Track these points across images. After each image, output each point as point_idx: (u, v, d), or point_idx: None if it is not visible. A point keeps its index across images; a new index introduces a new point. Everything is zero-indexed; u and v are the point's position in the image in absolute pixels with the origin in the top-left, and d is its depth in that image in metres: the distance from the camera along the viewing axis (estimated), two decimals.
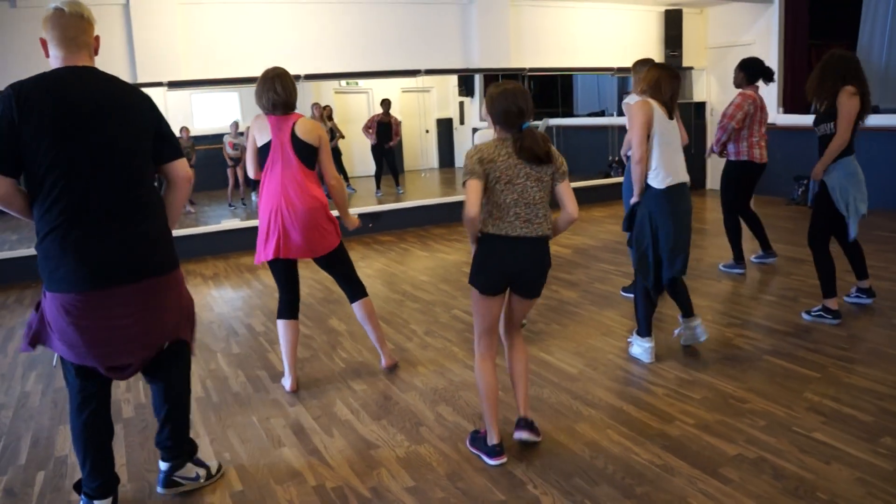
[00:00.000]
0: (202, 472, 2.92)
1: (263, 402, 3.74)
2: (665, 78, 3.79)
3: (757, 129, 5.64)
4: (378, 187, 10.85)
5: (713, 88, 10.60)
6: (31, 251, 6.97)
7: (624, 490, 2.70)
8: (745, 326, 4.50)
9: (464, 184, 2.76)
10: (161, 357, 2.72)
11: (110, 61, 7.03)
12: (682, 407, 3.38)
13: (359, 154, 12.01)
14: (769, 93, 9.51)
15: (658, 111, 3.74)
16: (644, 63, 5.04)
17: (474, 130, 13.43)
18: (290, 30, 7.90)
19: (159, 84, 7.31)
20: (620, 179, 10.16)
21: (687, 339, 4.16)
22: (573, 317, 4.88)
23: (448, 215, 8.88)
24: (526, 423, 3.06)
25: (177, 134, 8.96)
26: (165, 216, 2.66)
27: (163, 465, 2.87)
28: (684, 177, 3.87)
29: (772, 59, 9.57)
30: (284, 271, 3.79)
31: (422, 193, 11.53)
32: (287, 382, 3.89)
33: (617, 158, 10.63)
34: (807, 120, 9.18)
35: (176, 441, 2.85)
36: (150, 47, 7.18)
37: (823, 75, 4.34)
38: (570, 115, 12.39)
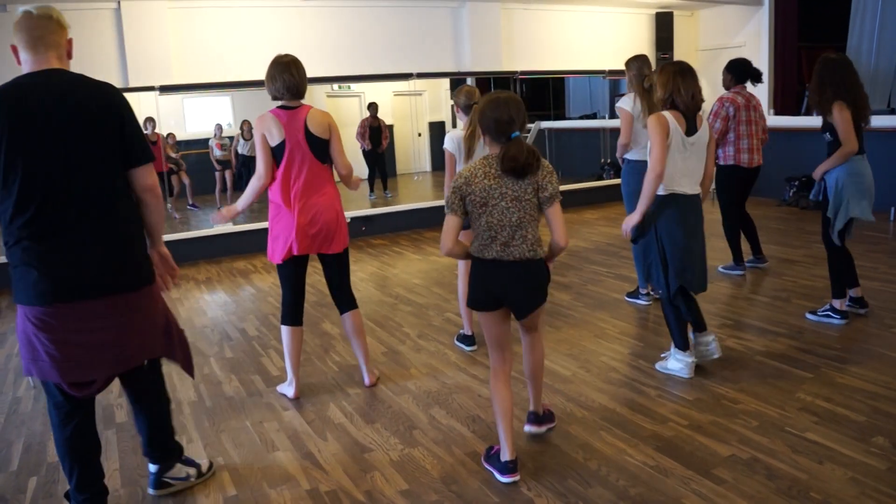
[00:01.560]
0: (192, 471, 2.94)
1: (257, 407, 3.73)
2: (680, 76, 3.58)
3: (745, 130, 5.55)
4: (371, 191, 10.85)
5: (704, 91, 10.57)
6: None
7: (618, 492, 2.71)
8: (738, 327, 4.51)
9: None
10: (136, 375, 2.66)
11: (101, 66, 7.01)
12: (675, 408, 3.39)
13: (348, 158, 12.00)
14: (760, 94, 9.57)
15: (674, 124, 3.54)
16: (636, 59, 4.93)
17: None
18: (281, 33, 7.90)
19: (151, 88, 7.30)
20: (613, 182, 10.23)
21: (700, 356, 3.84)
22: (566, 319, 4.89)
23: (441, 218, 8.85)
24: (536, 418, 3.13)
25: (161, 140, 9.02)
26: (140, 227, 2.55)
27: (152, 468, 2.89)
28: (696, 188, 3.70)
29: (762, 61, 9.62)
30: (294, 273, 3.66)
31: (414, 197, 11.54)
32: (290, 390, 3.81)
33: (609, 161, 10.67)
34: (797, 121, 9.28)
35: (161, 449, 2.87)
36: (141, 52, 7.17)
37: (821, 86, 4.33)
38: (562, 117, 12.41)
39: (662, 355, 3.99)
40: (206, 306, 5.85)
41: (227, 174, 10.15)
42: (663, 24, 10.16)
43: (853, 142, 4.32)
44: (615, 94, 12.13)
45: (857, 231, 7.11)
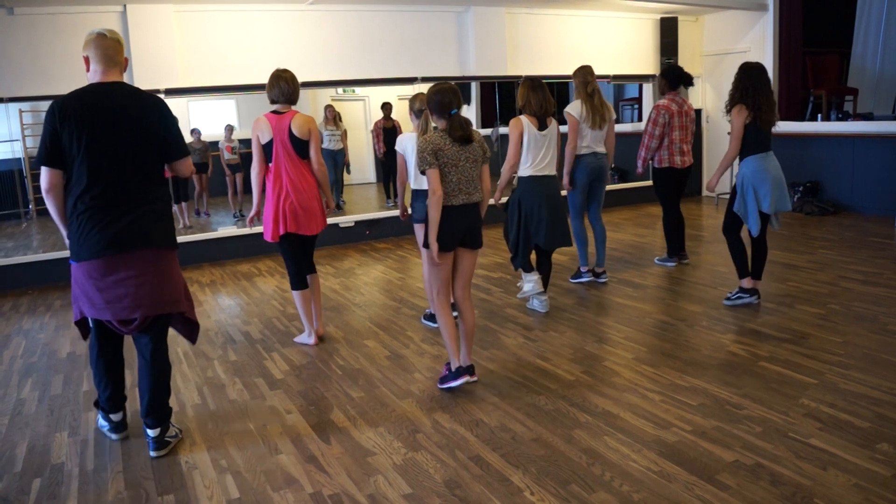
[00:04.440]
0: (177, 429, 3.44)
1: (260, 410, 3.74)
2: (531, 90, 4.84)
3: (678, 135, 6.03)
4: (388, 196, 10.51)
5: (708, 95, 10.64)
6: (28, 258, 6.98)
7: (621, 497, 2.70)
8: (741, 332, 4.51)
9: (423, 172, 3.59)
10: (153, 326, 3.24)
11: None
12: (678, 413, 3.39)
13: (353, 161, 11.97)
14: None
15: (528, 124, 4.85)
16: (581, 70, 5.59)
17: None
18: (286, 37, 7.92)
19: (156, 92, 7.31)
20: (616, 187, 10.24)
21: (531, 304, 5.23)
22: (569, 323, 4.89)
23: None
24: (468, 369, 3.79)
25: (189, 137, 8.94)
26: (168, 204, 3.27)
27: (152, 433, 3.27)
28: (550, 170, 4.95)
29: (766, 66, 9.59)
30: (292, 247, 4.49)
31: None
32: (310, 339, 4.70)
33: (613, 165, 10.64)
34: (802, 127, 9.27)
35: (161, 410, 3.30)
36: (147, 55, 7.19)
37: (734, 90, 4.84)
38: (566, 122, 12.40)
39: (518, 285, 5.38)
40: (209, 309, 5.86)
41: (238, 178, 9.94)
42: (668, 29, 10.15)
43: (735, 148, 4.88)
44: (620, 98, 12.14)
45: (863, 237, 7.12)
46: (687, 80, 6.13)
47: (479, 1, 8.74)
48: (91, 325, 3.29)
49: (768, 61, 9.58)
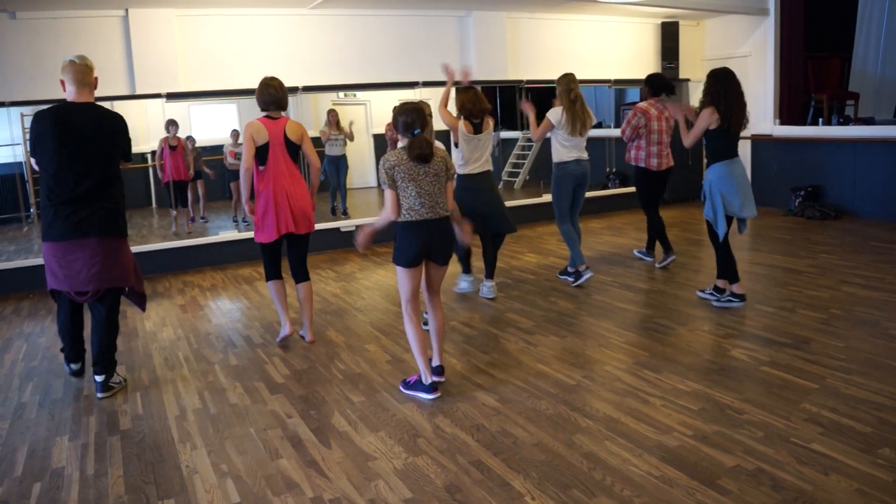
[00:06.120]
0: (121, 378, 4.24)
1: (261, 414, 3.73)
2: (468, 99, 5.36)
3: (655, 138, 6.32)
4: None
5: None
6: (29, 262, 6.99)
7: (622, 502, 2.70)
8: (742, 337, 4.50)
9: (382, 191, 3.77)
10: (106, 299, 4.03)
11: (109, 73, 7.06)
12: (679, 418, 3.38)
13: (354, 165, 11.98)
14: (765, 104, 9.60)
15: (463, 129, 5.38)
16: (565, 77, 5.81)
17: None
18: (287, 42, 7.94)
19: (157, 96, 7.34)
20: (618, 191, 10.25)
21: (479, 290, 5.82)
22: (571, 328, 4.88)
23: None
24: (440, 370, 3.98)
25: (182, 145, 8.89)
26: (121, 202, 4.00)
27: (98, 378, 4.05)
28: (483, 168, 5.49)
29: (768, 71, 9.62)
30: (272, 246, 4.72)
31: None
32: (286, 329, 4.83)
33: (615, 170, 10.67)
34: (803, 131, 9.28)
35: (108, 360, 4.07)
36: (148, 59, 7.21)
37: (705, 94, 4.99)
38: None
39: (457, 280, 5.96)
40: (210, 313, 5.86)
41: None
42: (669, 34, 10.17)
43: (689, 143, 5.19)
44: (621, 103, 12.14)
45: (864, 241, 7.11)
46: (669, 89, 6.44)
47: (480, 6, 8.75)
48: (57, 294, 4.08)
49: (769, 65, 9.59)
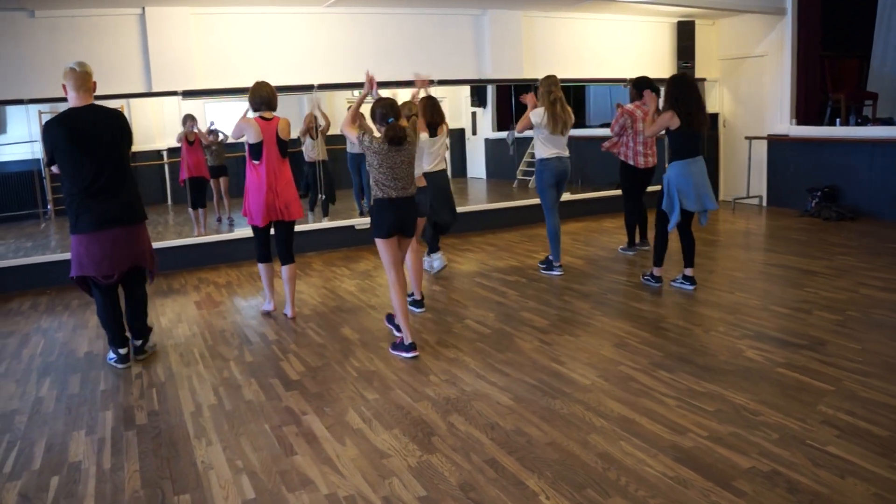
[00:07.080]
0: (154, 345, 4.83)
1: (276, 410, 3.75)
2: (425, 106, 5.91)
3: (640, 138, 6.82)
4: None
5: (726, 99, 10.58)
6: (47, 258, 7.05)
7: (637, 502, 2.69)
8: (758, 338, 4.48)
9: (360, 142, 4.39)
10: (131, 276, 4.54)
11: (126, 71, 7.11)
12: (694, 419, 3.37)
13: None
14: (782, 104, 9.54)
15: (422, 134, 5.78)
16: (547, 79, 6.25)
17: (486, 141, 13.46)
18: (303, 40, 7.95)
19: (174, 93, 7.38)
20: (620, 192, 10.17)
21: (431, 266, 6.62)
22: (585, 328, 4.88)
23: (460, 225, 8.87)
24: (417, 302, 5.33)
25: (199, 139, 8.90)
26: (136, 191, 4.48)
27: (136, 342, 4.64)
28: (439, 167, 6.13)
29: (784, 71, 9.55)
30: (265, 230, 5.34)
31: None
32: (269, 306, 5.60)
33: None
34: (820, 132, 9.21)
35: (142, 328, 4.67)
36: (164, 57, 7.24)
37: (666, 98, 5.44)
38: (583, 125, 12.38)
39: (425, 259, 6.62)
40: (225, 310, 5.89)
41: (223, 182, 9.65)
42: (685, 33, 10.10)
43: (648, 134, 5.90)
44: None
45: (882, 243, 7.05)
46: (654, 91, 6.63)
47: (496, 4, 8.74)
48: (90, 284, 4.45)
49: (786, 65, 9.52)
